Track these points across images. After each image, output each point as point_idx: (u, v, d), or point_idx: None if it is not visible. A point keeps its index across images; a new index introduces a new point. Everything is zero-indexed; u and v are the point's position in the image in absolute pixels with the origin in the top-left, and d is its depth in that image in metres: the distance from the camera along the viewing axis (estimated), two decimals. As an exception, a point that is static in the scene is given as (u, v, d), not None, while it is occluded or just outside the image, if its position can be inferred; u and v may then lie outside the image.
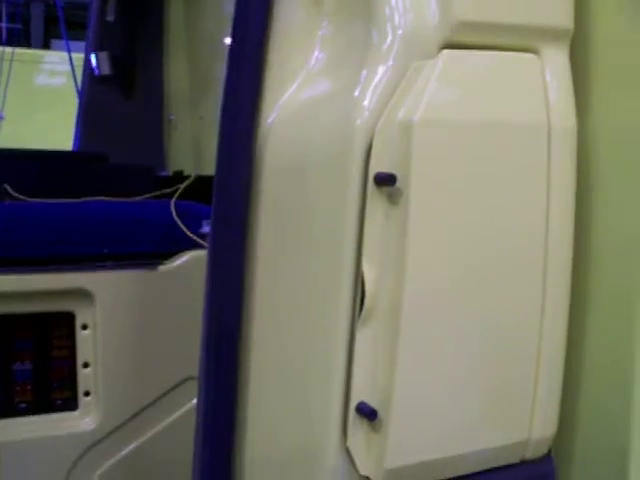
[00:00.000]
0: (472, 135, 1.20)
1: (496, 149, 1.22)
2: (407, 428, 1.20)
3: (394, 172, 1.15)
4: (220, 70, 2.83)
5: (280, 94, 1.35)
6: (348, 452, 1.22)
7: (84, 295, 1.70)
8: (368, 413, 1.17)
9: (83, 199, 1.82)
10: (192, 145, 3.06)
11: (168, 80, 3.19)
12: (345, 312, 1.21)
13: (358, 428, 1.20)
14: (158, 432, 1.79)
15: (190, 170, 2.68)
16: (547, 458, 1.34)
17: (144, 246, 1.77)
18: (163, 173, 2.80)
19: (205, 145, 2.94)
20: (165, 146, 3.14)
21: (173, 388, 1.77)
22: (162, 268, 1.75)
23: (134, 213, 1.84)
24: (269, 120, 1.35)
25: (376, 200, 1.17)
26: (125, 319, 1.73)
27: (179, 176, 2.43)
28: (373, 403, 1.18)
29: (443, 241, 1.19)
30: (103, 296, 1.70)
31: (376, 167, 1.16)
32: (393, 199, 1.17)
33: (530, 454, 1.32)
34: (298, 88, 1.36)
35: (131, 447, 1.78)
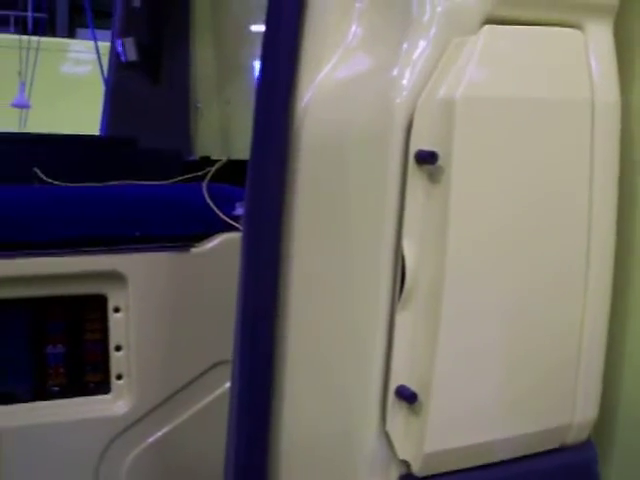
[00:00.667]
0: (514, 112, 1.17)
1: (539, 125, 1.19)
2: (447, 412, 1.18)
3: (435, 150, 1.12)
4: (247, 55, 2.81)
5: (316, 72, 1.33)
6: (387, 436, 1.20)
7: (116, 278, 1.69)
8: (408, 396, 1.15)
9: (113, 182, 1.81)
10: (219, 130, 3.04)
11: (195, 65, 3.17)
12: (385, 293, 1.19)
13: (397, 412, 1.18)
14: (190, 416, 1.78)
15: (217, 155, 2.66)
16: (588, 443, 1.31)
17: (176, 228, 1.76)
18: (191, 158, 2.78)
19: (232, 130, 2.92)
20: (192, 131, 3.12)
21: (205, 372, 1.75)
22: (194, 250, 1.74)
23: (166, 195, 1.83)
24: (305, 99, 1.32)
25: (417, 178, 1.15)
26: (157, 302, 1.72)
27: (207, 160, 2.42)
28: (413, 386, 1.16)
29: (485, 220, 1.16)
30: (135, 278, 1.69)
31: (417, 145, 1.14)
32: (434, 177, 1.15)
33: (571, 439, 1.29)
34: (335, 66, 1.33)
35: (163, 431, 1.77)
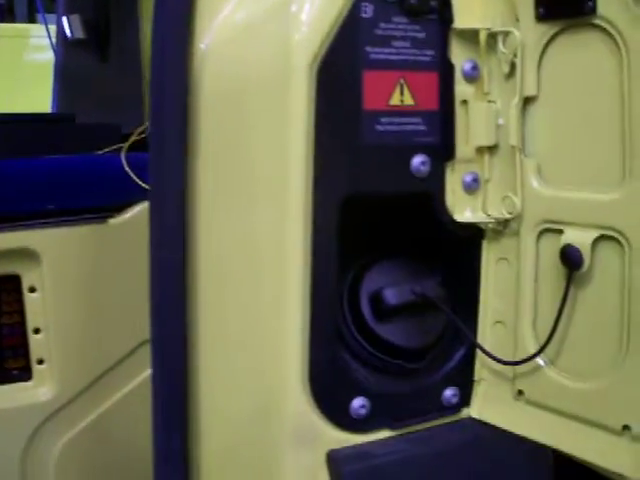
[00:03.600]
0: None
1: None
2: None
3: None
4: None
5: (215, 15, 1.21)
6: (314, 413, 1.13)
7: (29, 255, 1.57)
8: None
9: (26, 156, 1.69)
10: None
11: (145, 40, 3.04)
12: (297, 255, 1.10)
13: None
14: (120, 399, 1.67)
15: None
16: None
17: (94, 200, 1.64)
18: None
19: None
20: (144, 106, 3.00)
21: (133, 351, 1.64)
22: (112, 221, 1.62)
23: (84, 167, 1.71)
24: (204, 45, 1.21)
25: None
26: (75, 279, 1.60)
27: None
28: None
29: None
30: (49, 255, 1.57)
31: None
32: None
33: None
34: (234, 7, 1.22)
35: (92, 416, 1.66)
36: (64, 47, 3.17)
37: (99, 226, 1.60)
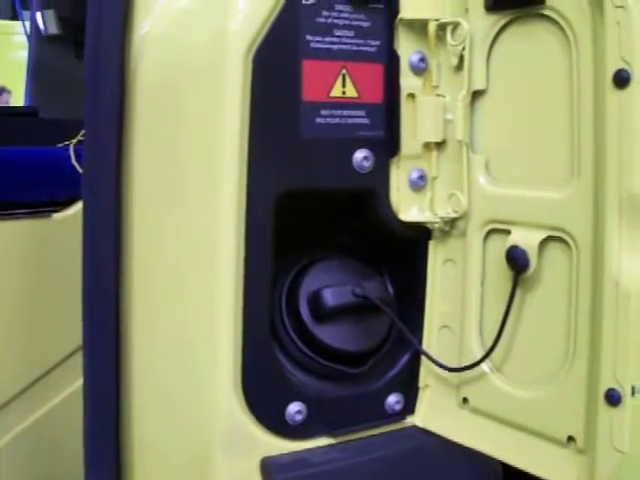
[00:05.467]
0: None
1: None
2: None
3: None
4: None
5: (153, 2, 1.16)
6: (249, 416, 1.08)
7: None
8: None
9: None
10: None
11: (120, 37, 2.99)
12: (230, 245, 1.05)
13: None
14: (60, 401, 1.61)
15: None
16: None
17: (39, 193, 1.58)
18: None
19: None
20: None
21: (74, 352, 1.58)
22: (57, 216, 1.56)
23: (31, 159, 1.65)
24: (141, 33, 1.16)
25: None
26: (15, 276, 1.54)
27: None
28: None
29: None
30: None
31: None
32: None
33: None
34: (173, -4, 1.17)
35: (31, 419, 1.60)
36: (38, 43, 3.13)
37: (42, 221, 1.54)
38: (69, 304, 1.49)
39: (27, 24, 3.92)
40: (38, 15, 3.09)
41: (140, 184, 1.15)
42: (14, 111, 2.40)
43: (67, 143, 1.71)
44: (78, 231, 1.42)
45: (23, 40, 5.46)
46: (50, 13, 3.06)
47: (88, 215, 1.15)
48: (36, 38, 3.16)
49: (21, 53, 5.50)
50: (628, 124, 0.93)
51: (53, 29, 3.07)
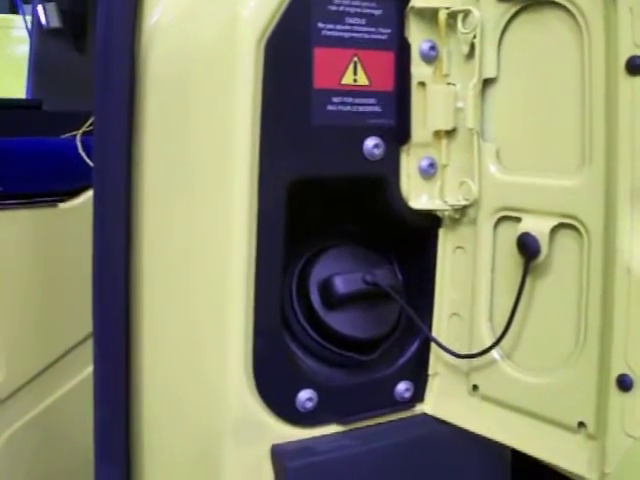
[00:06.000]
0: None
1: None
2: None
3: None
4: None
5: (162, -7, 1.16)
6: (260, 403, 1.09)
7: None
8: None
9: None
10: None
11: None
12: (242, 241, 1.05)
13: None
14: (69, 390, 1.61)
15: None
16: None
17: (45, 184, 1.58)
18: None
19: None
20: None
21: (82, 341, 1.58)
22: (63, 206, 1.56)
23: (39, 150, 1.65)
24: (151, 22, 1.16)
25: None
26: (22, 265, 1.54)
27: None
28: None
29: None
30: None
31: None
32: None
33: None
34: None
35: (41, 407, 1.60)
36: (39, 36, 3.12)
37: (49, 210, 1.54)
38: (77, 293, 1.50)
39: (27, 18, 3.92)
40: (40, 8, 3.09)
41: (150, 173, 1.15)
42: (18, 103, 2.40)
43: (74, 134, 1.71)
44: (85, 221, 1.42)
45: (21, 34, 5.44)
46: (52, 6, 3.07)
47: (98, 203, 1.15)
48: (38, 31, 3.16)
49: (19, 47, 5.48)
50: (640, 111, 0.93)
51: (55, 22, 3.08)
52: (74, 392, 1.61)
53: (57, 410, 1.61)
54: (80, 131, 1.61)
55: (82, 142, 1.59)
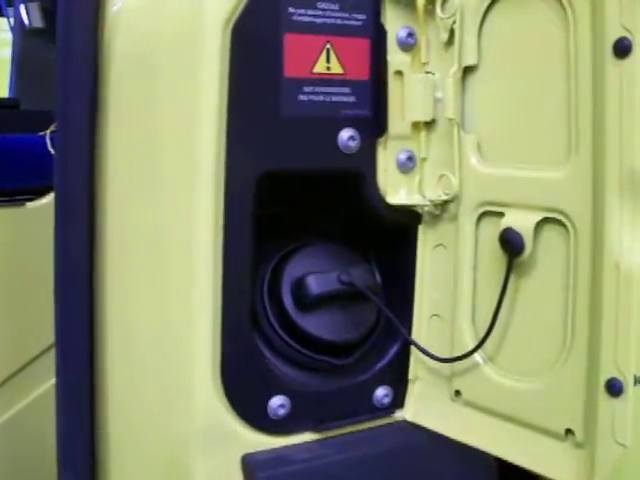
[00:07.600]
0: None
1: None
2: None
3: None
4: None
5: (127, -26, 1.11)
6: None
7: None
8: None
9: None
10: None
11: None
12: (207, 234, 0.99)
13: None
14: (36, 397, 1.54)
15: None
16: None
17: (13, 181, 1.51)
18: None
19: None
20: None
21: (51, 347, 1.51)
22: (31, 205, 1.50)
23: (9, 147, 1.58)
24: (115, 6, 1.11)
25: None
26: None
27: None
28: None
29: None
30: None
31: None
32: None
33: None
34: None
35: (6, 416, 1.53)
36: (22, 36, 3.09)
37: (16, 210, 1.48)
38: (43, 296, 1.43)
39: (12, 21, 3.86)
40: (22, 8, 3.04)
41: (114, 166, 1.10)
42: (-5, 103, 2.34)
43: (46, 132, 1.65)
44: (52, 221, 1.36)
45: (6, 37, 5.39)
46: (34, 6, 3.03)
47: (60, 199, 1.09)
48: (20, 32, 3.12)
49: (4, 50, 5.43)
50: (629, 96, 0.87)
51: (37, 22, 3.03)
52: (42, 399, 1.55)
53: (24, 418, 1.55)
54: (51, 128, 1.55)
55: (52, 139, 1.52)
